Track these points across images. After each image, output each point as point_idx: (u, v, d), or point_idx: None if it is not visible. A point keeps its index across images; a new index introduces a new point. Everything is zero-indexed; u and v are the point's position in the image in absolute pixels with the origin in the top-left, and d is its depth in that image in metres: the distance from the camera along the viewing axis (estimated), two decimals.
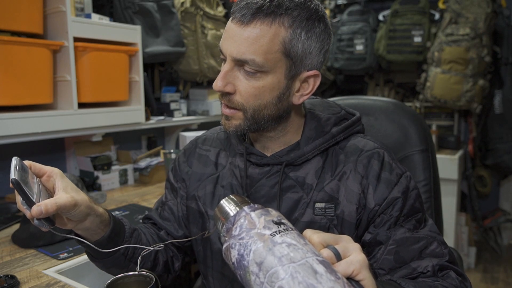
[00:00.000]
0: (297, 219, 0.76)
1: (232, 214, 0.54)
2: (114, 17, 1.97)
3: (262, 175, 0.79)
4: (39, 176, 0.67)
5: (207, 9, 2.35)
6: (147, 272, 0.66)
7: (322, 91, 3.38)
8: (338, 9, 3.25)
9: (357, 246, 0.52)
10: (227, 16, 2.49)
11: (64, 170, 1.86)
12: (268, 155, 0.79)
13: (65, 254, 1.10)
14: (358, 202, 0.74)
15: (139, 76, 1.88)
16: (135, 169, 2.00)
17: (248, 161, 0.81)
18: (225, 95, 0.73)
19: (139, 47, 1.86)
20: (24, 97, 1.44)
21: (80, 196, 0.67)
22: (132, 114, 1.87)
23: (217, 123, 0.92)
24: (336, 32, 3.04)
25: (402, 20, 2.79)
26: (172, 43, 2.14)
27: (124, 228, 0.78)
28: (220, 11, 2.46)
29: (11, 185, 0.59)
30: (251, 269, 0.47)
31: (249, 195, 0.79)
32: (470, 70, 2.54)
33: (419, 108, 2.91)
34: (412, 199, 0.75)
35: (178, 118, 2.25)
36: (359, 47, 2.97)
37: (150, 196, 1.73)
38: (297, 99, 0.75)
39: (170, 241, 0.82)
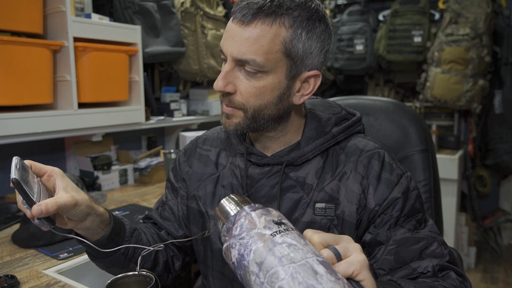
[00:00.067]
0: (298, 219, 0.76)
1: (232, 213, 0.54)
2: (114, 17, 1.97)
3: (262, 175, 0.79)
4: (39, 175, 0.67)
5: (207, 9, 2.35)
6: (147, 272, 0.66)
7: (322, 91, 3.38)
8: (338, 9, 3.26)
9: (357, 246, 0.52)
10: (227, 16, 2.49)
11: (64, 170, 1.86)
12: (269, 155, 0.79)
13: (65, 254, 1.10)
14: (358, 202, 0.74)
15: (139, 76, 1.88)
16: (135, 169, 2.00)
17: (248, 161, 0.81)
18: (226, 95, 0.73)
19: (139, 47, 1.86)
20: (24, 97, 1.44)
21: (81, 195, 0.67)
22: (132, 114, 1.87)
23: (217, 123, 0.92)
24: (336, 32, 3.04)
25: (402, 20, 2.79)
26: (172, 43, 2.14)
27: (124, 227, 0.78)
28: (220, 11, 2.46)
29: (11, 184, 0.59)
30: (251, 269, 0.47)
31: (250, 195, 0.79)
32: (470, 70, 2.54)
33: (419, 108, 2.91)
34: (412, 199, 0.75)
35: (178, 118, 2.25)
36: (359, 47, 2.97)
37: (150, 196, 1.73)
38: (297, 99, 0.75)
39: (170, 241, 0.82)
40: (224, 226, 0.55)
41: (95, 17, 1.70)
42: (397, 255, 0.71)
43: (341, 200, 0.75)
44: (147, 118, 2.03)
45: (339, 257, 0.49)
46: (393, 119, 1.06)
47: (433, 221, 0.78)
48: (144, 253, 0.70)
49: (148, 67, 2.31)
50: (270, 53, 0.68)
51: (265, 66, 0.68)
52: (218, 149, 0.88)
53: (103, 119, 1.71)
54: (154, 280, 0.64)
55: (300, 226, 0.75)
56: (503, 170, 2.84)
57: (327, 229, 0.75)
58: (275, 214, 0.53)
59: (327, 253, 0.49)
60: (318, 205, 0.75)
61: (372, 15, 3.01)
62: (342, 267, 0.49)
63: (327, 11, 3.17)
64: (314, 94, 0.78)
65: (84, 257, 1.09)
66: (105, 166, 1.82)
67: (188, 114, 2.44)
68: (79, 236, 0.72)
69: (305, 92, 0.75)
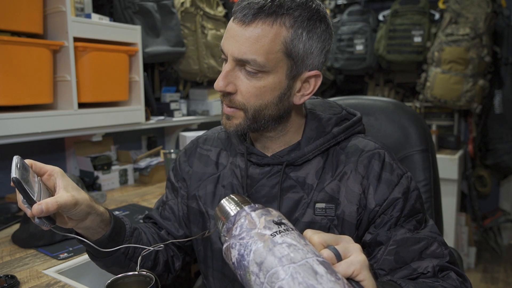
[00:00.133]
0: (298, 219, 0.76)
1: (232, 213, 0.54)
2: (114, 17, 1.97)
3: (262, 175, 0.79)
4: (40, 175, 0.67)
5: (207, 9, 2.35)
6: (147, 272, 0.66)
7: (322, 91, 3.38)
8: (338, 9, 3.26)
9: (357, 246, 0.52)
10: (227, 16, 2.49)
11: (64, 170, 1.85)
12: (269, 155, 0.79)
13: (65, 254, 1.10)
14: (358, 202, 0.74)
15: (139, 76, 1.88)
16: (135, 169, 2.00)
17: (248, 161, 0.81)
18: (227, 95, 0.73)
19: (139, 47, 1.86)
20: (24, 97, 1.44)
21: (81, 195, 0.67)
22: (132, 114, 1.87)
23: (217, 123, 0.92)
24: (336, 32, 3.04)
25: (402, 20, 2.79)
26: (172, 43, 2.14)
27: (124, 227, 0.78)
28: (220, 11, 2.46)
29: (12, 183, 0.59)
30: (251, 269, 0.47)
31: (250, 195, 0.79)
32: (470, 70, 2.54)
33: (419, 108, 2.91)
34: (412, 199, 0.75)
35: (178, 118, 2.25)
36: (359, 47, 2.97)
37: (150, 196, 1.73)
38: (298, 99, 0.75)
39: (170, 241, 0.82)
40: (224, 226, 0.55)
41: (95, 17, 1.70)
42: (397, 255, 0.71)
43: (341, 200, 0.75)
44: (147, 118, 2.03)
45: (339, 257, 0.49)
46: (393, 119, 1.06)
47: (433, 221, 0.78)
48: (144, 253, 0.70)
49: (148, 67, 2.31)
50: (271, 53, 0.68)
51: (266, 66, 0.68)
52: (218, 149, 0.89)
53: (103, 119, 1.71)
54: (154, 280, 0.64)
55: (300, 226, 0.75)
56: (503, 170, 2.84)
57: (327, 229, 0.75)
58: (275, 214, 0.53)
59: (327, 253, 0.49)
60: (318, 205, 0.75)
61: (372, 15, 3.01)
62: (342, 267, 0.49)
63: (327, 11, 3.17)
64: (314, 94, 0.78)
65: (84, 257, 1.09)
66: (105, 166, 1.82)
67: (188, 114, 2.45)
68: (80, 236, 0.72)
69: (305, 92, 0.75)
